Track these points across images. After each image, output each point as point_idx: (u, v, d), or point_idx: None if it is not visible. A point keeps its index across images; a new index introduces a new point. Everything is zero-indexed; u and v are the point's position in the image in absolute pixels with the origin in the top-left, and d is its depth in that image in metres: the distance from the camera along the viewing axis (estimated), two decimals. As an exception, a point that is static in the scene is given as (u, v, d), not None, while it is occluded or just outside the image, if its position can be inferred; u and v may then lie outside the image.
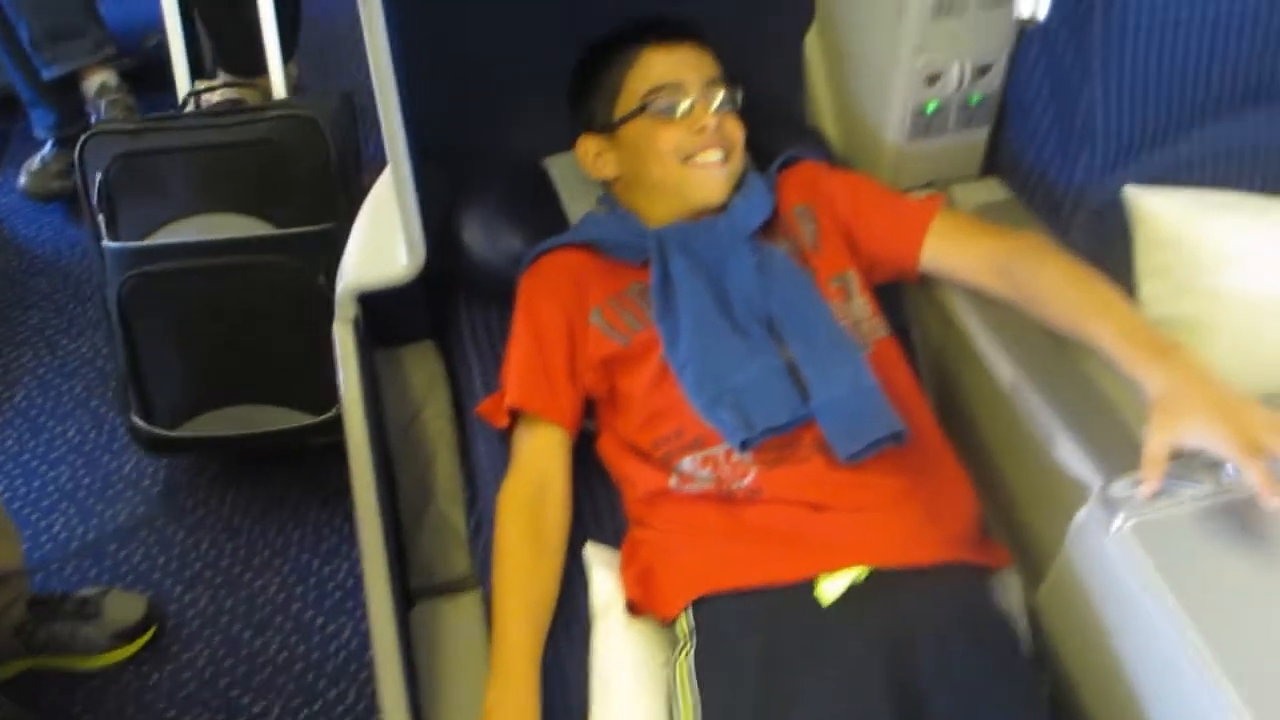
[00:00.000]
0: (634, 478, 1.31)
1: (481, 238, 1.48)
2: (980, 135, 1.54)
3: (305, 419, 1.93)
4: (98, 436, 2.17)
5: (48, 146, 2.67)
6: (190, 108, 2.02)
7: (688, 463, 1.26)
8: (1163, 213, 1.36)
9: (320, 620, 1.87)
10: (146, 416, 1.95)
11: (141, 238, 1.84)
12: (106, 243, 1.86)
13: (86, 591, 1.84)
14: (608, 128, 1.45)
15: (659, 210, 1.43)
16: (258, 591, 1.92)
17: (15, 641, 1.77)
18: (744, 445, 1.21)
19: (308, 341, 1.78)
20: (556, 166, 1.57)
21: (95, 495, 2.07)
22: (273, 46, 2.12)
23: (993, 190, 1.54)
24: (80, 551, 1.99)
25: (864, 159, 1.60)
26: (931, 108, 1.47)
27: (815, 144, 1.60)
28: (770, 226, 1.41)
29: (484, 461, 1.41)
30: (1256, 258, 1.31)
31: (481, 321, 1.53)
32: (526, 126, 1.58)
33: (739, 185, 1.44)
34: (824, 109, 1.68)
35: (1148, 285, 1.37)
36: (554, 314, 1.37)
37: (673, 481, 1.26)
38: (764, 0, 1.61)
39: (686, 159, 1.39)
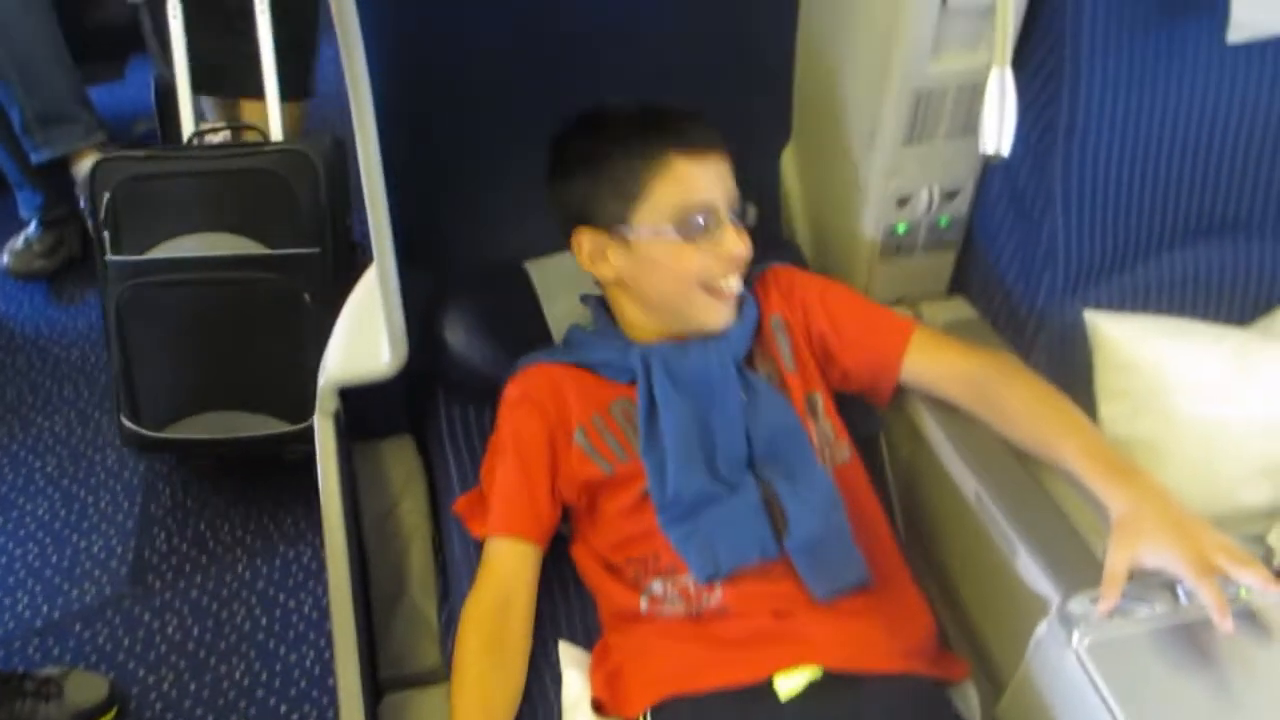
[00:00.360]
0: (607, 593, 1.33)
1: (462, 337, 1.52)
2: (949, 256, 1.60)
3: (283, 426, 2.04)
4: (67, 515, 2.17)
5: (32, 227, 2.71)
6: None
7: (658, 585, 1.28)
8: (1121, 337, 1.41)
9: (284, 708, 1.87)
10: (134, 418, 2.06)
11: (141, 252, 2.00)
12: (109, 256, 2.01)
13: (48, 671, 1.83)
14: (618, 229, 1.33)
15: (650, 324, 1.39)
16: (223, 676, 1.92)
17: (-27, 721, 1.76)
18: (709, 579, 1.25)
19: (290, 354, 1.98)
20: (537, 270, 1.61)
21: (62, 574, 2.07)
22: (271, 85, 2.18)
23: (959, 309, 1.60)
24: (44, 630, 1.98)
25: (837, 274, 1.65)
26: (902, 228, 1.53)
27: (792, 257, 1.65)
28: (752, 351, 1.40)
29: (458, 556, 1.43)
30: (1210, 384, 1.36)
31: (460, 419, 1.56)
32: (508, 230, 1.62)
33: None
34: (799, 224, 1.74)
35: (1106, 406, 1.42)
36: (537, 432, 1.35)
37: (643, 604, 1.28)
38: (742, 118, 1.66)
39: (704, 283, 1.33)
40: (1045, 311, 1.45)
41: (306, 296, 1.98)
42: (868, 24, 1.40)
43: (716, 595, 1.25)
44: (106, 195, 1.98)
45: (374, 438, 1.60)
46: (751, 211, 1.36)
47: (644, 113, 1.35)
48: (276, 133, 2.17)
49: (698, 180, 1.31)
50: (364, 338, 1.46)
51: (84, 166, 2.53)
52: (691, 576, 1.26)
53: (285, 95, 2.18)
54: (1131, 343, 1.40)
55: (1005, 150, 1.14)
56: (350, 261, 2.07)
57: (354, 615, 1.31)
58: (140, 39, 2.60)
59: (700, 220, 1.30)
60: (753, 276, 1.45)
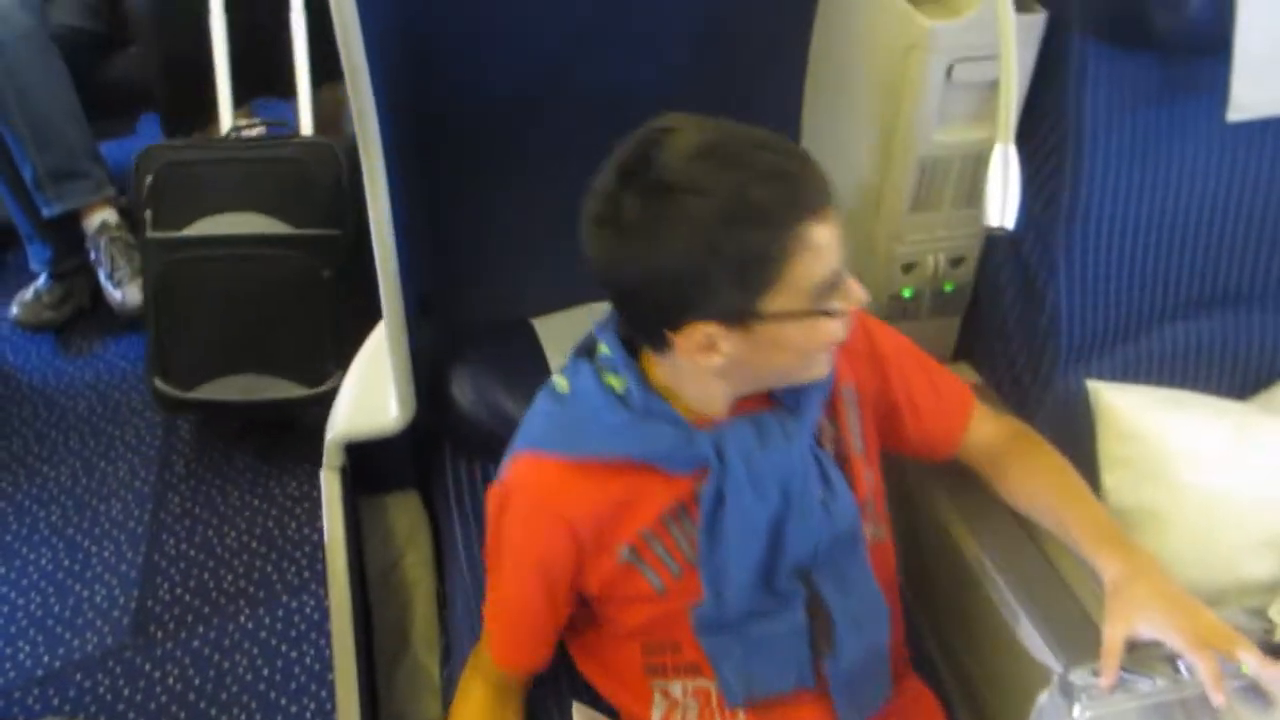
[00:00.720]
0: (613, 699, 1.25)
1: (470, 394, 1.53)
2: (953, 321, 1.61)
3: (301, 390, 2.22)
4: (70, 564, 2.17)
5: (42, 279, 2.72)
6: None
7: (677, 687, 1.19)
8: (1124, 407, 1.42)
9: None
10: (165, 379, 2.26)
11: (178, 229, 2.19)
12: (149, 233, 2.20)
13: (48, 722, 1.83)
14: (744, 319, 1.01)
15: (721, 396, 1.11)
16: (222, 730, 1.91)
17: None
18: (734, 704, 1.16)
19: (310, 324, 2.20)
20: (544, 327, 1.63)
21: (64, 624, 2.07)
22: (303, 80, 2.31)
23: (965, 374, 1.61)
24: (45, 680, 1.97)
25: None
26: (907, 293, 1.55)
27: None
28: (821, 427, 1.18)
29: (460, 613, 1.43)
30: (1212, 456, 1.36)
31: (466, 474, 1.56)
32: (518, 286, 1.64)
33: None
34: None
35: (1109, 475, 1.43)
36: (547, 557, 1.14)
37: (656, 716, 1.20)
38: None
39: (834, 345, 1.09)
40: (1048, 380, 1.47)
41: (326, 273, 2.18)
42: (874, 95, 1.43)
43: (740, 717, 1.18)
44: (149, 178, 2.19)
45: (380, 491, 1.61)
46: None
47: (743, 166, 0.98)
48: (307, 127, 2.31)
49: (827, 244, 1.00)
50: (373, 393, 1.48)
51: (94, 221, 2.57)
52: (716, 689, 1.16)
53: (319, 81, 2.32)
54: (1134, 413, 1.41)
55: (1009, 224, 1.16)
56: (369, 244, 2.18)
57: (356, 670, 1.32)
58: (151, 96, 2.65)
59: (838, 296, 1.03)
60: None
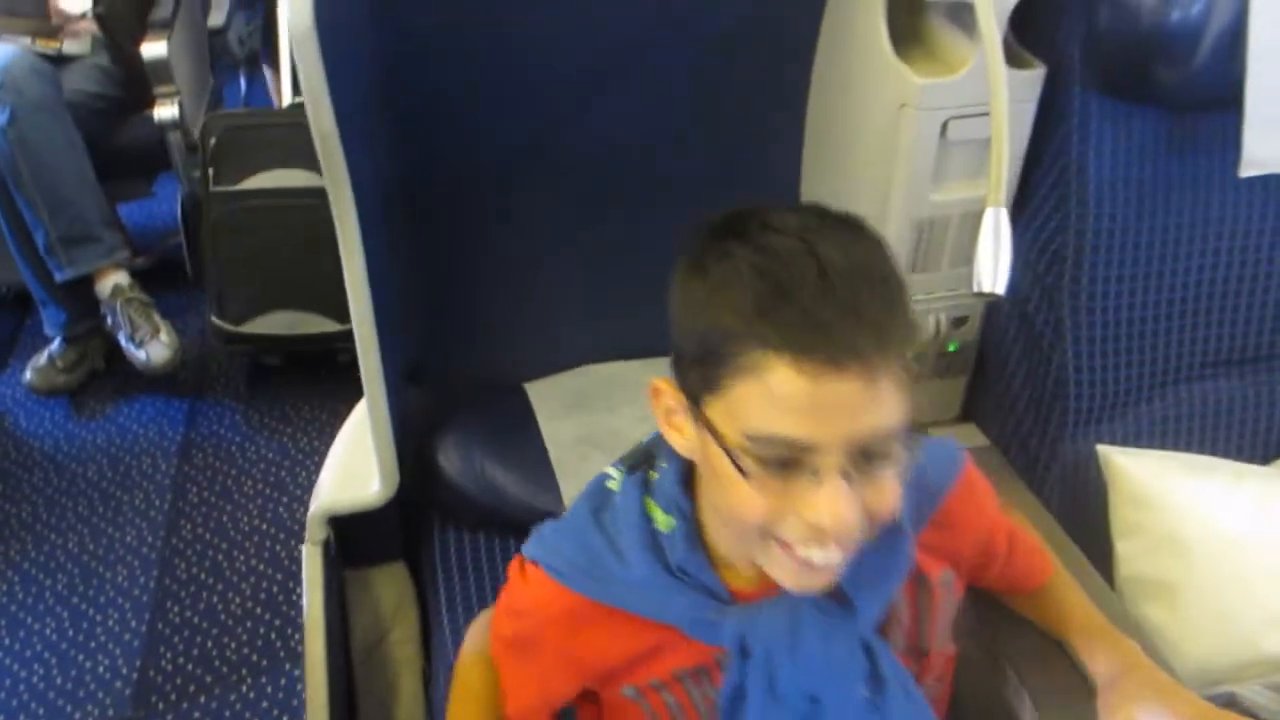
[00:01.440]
0: None
1: (458, 463, 1.49)
2: (959, 381, 1.56)
3: (337, 326, 2.49)
4: (75, 635, 2.15)
5: (56, 343, 2.72)
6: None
7: None
8: (1136, 472, 1.35)
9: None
10: (221, 315, 2.58)
11: (236, 184, 2.50)
12: (212, 188, 2.52)
13: (42, 800, 1.80)
14: (694, 399, 0.84)
15: (741, 553, 0.91)
16: (219, 806, 1.87)
17: None
18: None
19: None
20: (535, 391, 1.59)
21: (65, 696, 2.03)
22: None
23: (971, 436, 1.55)
24: (42, 755, 1.95)
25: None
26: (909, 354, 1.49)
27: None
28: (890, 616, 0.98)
29: (446, 694, 1.37)
30: (1230, 525, 1.30)
31: (454, 545, 1.52)
32: (512, 351, 1.60)
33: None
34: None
35: (1122, 543, 1.36)
36: (544, 689, 1.02)
37: None
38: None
39: (774, 535, 0.83)
40: (1057, 443, 1.41)
41: None
42: (868, 153, 1.38)
43: None
44: (212, 140, 2.51)
45: (366, 564, 1.57)
46: (903, 452, 0.82)
47: (790, 266, 0.79)
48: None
49: (798, 402, 0.76)
50: (356, 465, 1.44)
51: (106, 285, 2.57)
52: None
53: None
54: (1147, 479, 1.35)
55: (1001, 290, 1.10)
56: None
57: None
58: (167, 158, 2.66)
59: (776, 459, 0.79)
60: (937, 474, 1.01)
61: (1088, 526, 1.38)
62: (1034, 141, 1.32)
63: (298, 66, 1.10)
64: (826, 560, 0.83)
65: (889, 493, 0.82)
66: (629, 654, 0.96)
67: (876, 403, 0.77)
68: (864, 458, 0.79)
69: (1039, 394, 1.41)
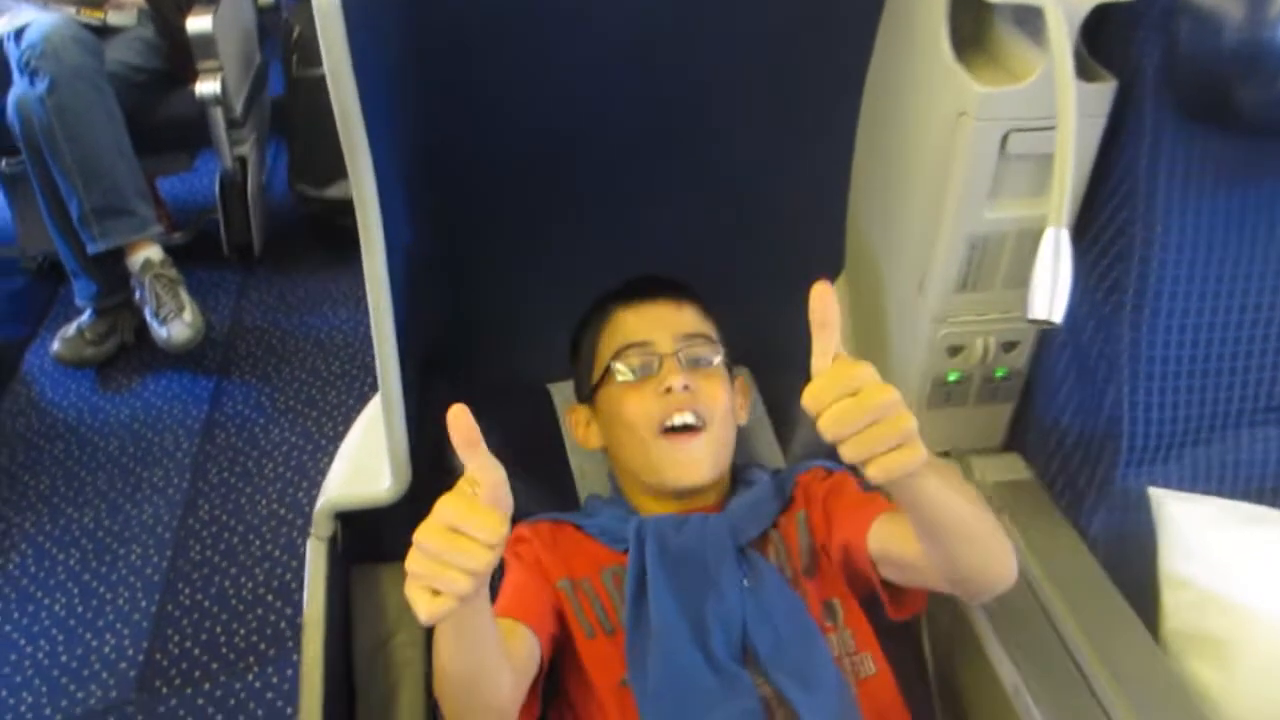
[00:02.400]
0: None
1: (475, 465, 1.43)
2: (1004, 409, 1.47)
3: None
4: (84, 612, 2.11)
5: (86, 314, 2.71)
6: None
7: None
8: (1190, 520, 1.27)
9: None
10: (301, 180, 3.01)
11: (316, 68, 2.65)
12: (295, 73, 2.86)
13: (36, 781, 1.76)
14: (589, 397, 1.37)
15: (645, 497, 1.31)
16: (217, 797, 1.82)
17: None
18: None
19: None
20: (560, 393, 1.54)
21: (69, 675, 2.00)
22: None
23: (1013, 468, 1.46)
24: (44, 732, 1.91)
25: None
26: (953, 377, 1.42)
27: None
28: (767, 537, 1.27)
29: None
30: (1287, 581, 1.21)
31: (466, 549, 1.46)
32: (536, 349, 1.54)
33: (746, 483, 1.34)
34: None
35: (1170, 594, 1.28)
36: (539, 567, 1.25)
37: None
38: (795, 246, 1.58)
39: (657, 427, 1.26)
40: (1106, 483, 1.32)
41: None
42: (921, 162, 1.31)
43: None
44: (296, 29, 2.81)
45: (375, 560, 1.51)
46: (718, 354, 1.33)
47: (614, 288, 1.40)
48: None
49: (632, 321, 1.33)
50: (368, 460, 1.38)
51: (137, 259, 2.54)
52: None
53: None
54: (1201, 527, 1.27)
55: (1057, 319, 1.03)
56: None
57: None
58: (208, 133, 2.63)
59: (632, 361, 1.30)
60: (795, 472, 1.35)
61: (1133, 574, 1.29)
62: (1100, 160, 1.24)
63: (321, 43, 1.05)
64: (692, 421, 1.25)
65: (718, 387, 1.29)
66: (578, 555, 1.26)
67: (683, 314, 1.34)
68: (691, 361, 1.29)
69: (1090, 429, 1.33)
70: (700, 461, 1.27)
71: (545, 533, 1.29)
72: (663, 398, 1.26)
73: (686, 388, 1.26)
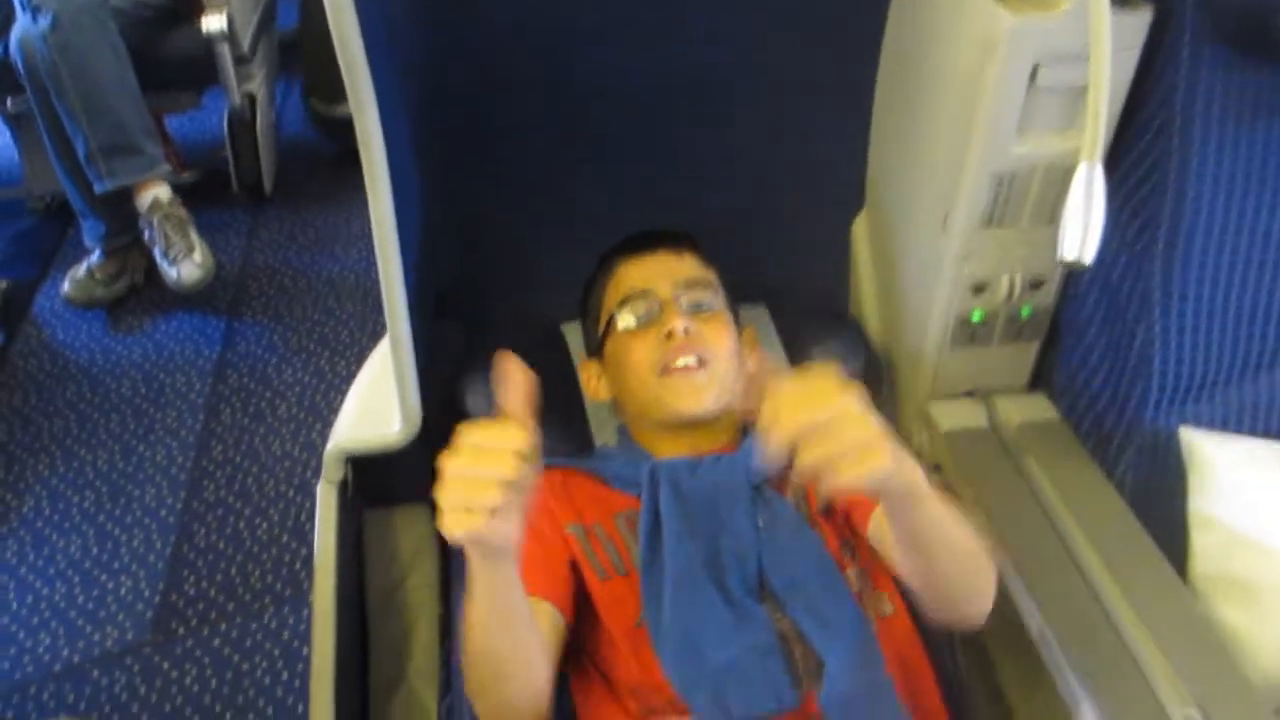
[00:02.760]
0: None
1: (486, 406, 1.40)
2: (1029, 348, 1.44)
3: None
4: (99, 554, 2.11)
5: (95, 255, 2.68)
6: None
7: None
8: (1221, 460, 1.24)
9: (296, 774, 1.77)
10: (316, 96, 3.01)
11: None
12: None
13: (57, 723, 1.76)
14: (598, 350, 1.39)
15: (658, 438, 1.31)
16: (236, 735, 1.83)
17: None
18: None
19: None
20: (574, 334, 1.51)
21: (86, 616, 2.00)
22: None
23: (1040, 408, 1.43)
24: (62, 675, 1.91)
25: (903, 358, 1.51)
26: (977, 316, 1.38)
27: (854, 338, 1.51)
28: (784, 476, 1.25)
29: (462, 646, 1.31)
30: (1319, 523, 1.18)
31: (480, 492, 1.44)
32: (550, 289, 1.51)
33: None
34: (867, 300, 1.59)
35: (1198, 535, 1.25)
36: (547, 519, 1.23)
37: None
38: (815, 182, 1.54)
39: (660, 371, 1.27)
40: (1135, 423, 1.29)
41: None
42: (947, 95, 1.26)
43: None
44: None
45: (387, 504, 1.50)
46: (718, 298, 1.35)
47: (616, 245, 1.41)
48: None
49: (633, 272, 1.35)
50: (378, 402, 1.36)
51: (146, 198, 2.51)
52: None
53: None
54: (1232, 468, 1.24)
55: (1088, 259, 0.99)
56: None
57: (334, 704, 1.20)
58: (216, 70, 2.58)
59: (634, 310, 1.32)
60: None
61: (1162, 515, 1.27)
62: (1133, 92, 1.20)
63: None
64: (689, 362, 1.26)
65: (720, 330, 1.30)
66: (589, 501, 1.26)
67: (683, 262, 1.35)
68: (692, 306, 1.31)
69: (1119, 368, 1.29)
70: (703, 390, 1.27)
71: (555, 481, 1.28)
72: (664, 343, 1.27)
73: (687, 331, 1.27)
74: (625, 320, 1.32)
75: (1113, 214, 1.19)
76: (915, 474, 0.92)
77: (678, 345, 1.26)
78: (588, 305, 1.42)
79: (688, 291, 1.32)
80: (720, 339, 1.30)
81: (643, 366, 1.28)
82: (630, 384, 1.31)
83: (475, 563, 0.94)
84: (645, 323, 1.31)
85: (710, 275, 1.37)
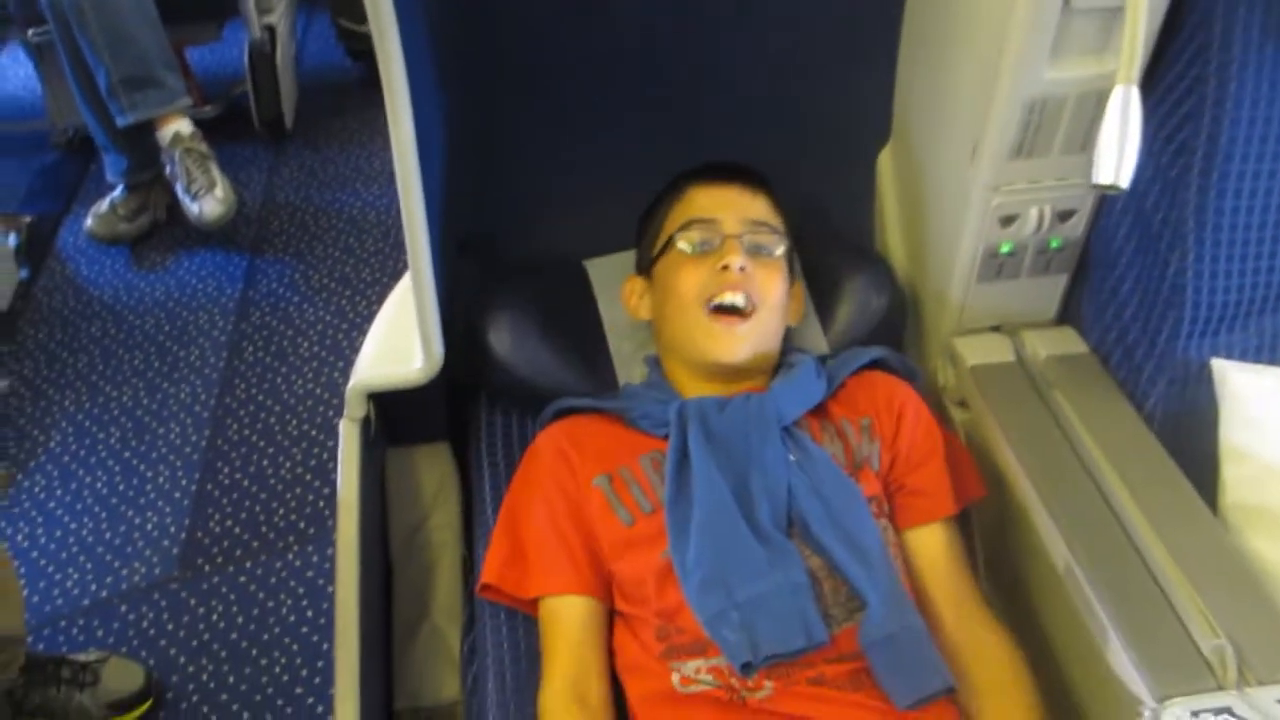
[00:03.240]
0: (634, 670, 1.17)
1: (509, 342, 1.39)
2: (1058, 280, 1.41)
3: None
4: (125, 490, 2.12)
5: (118, 190, 2.67)
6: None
7: (690, 667, 1.11)
8: (1254, 391, 1.22)
9: (321, 709, 1.78)
10: (342, 16, 3.04)
11: None
12: None
13: (85, 656, 1.77)
14: (648, 268, 1.36)
15: (688, 376, 1.31)
16: (262, 670, 1.84)
17: (5, 706, 1.70)
18: (745, 669, 1.06)
19: None
20: (597, 270, 1.49)
21: (114, 552, 2.02)
22: None
23: (1069, 341, 1.41)
24: (90, 609, 1.93)
25: (929, 293, 1.49)
26: (1006, 249, 1.35)
27: (880, 273, 1.49)
28: (818, 424, 1.26)
29: (486, 583, 1.31)
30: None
31: (501, 428, 1.44)
32: (572, 226, 1.50)
33: (788, 365, 1.32)
34: (892, 232, 1.56)
35: (1230, 467, 1.23)
36: (565, 489, 1.23)
37: (674, 680, 1.11)
38: (838, 109, 1.51)
39: (706, 303, 1.25)
40: (1166, 355, 1.26)
41: None
42: (978, 19, 1.23)
43: (765, 691, 1.08)
44: None
45: (410, 443, 1.49)
46: (782, 246, 1.32)
47: (692, 167, 1.37)
48: None
49: (703, 199, 1.32)
50: (400, 339, 1.35)
51: (167, 132, 2.49)
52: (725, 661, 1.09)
53: None
54: (1265, 399, 1.22)
55: (1124, 183, 0.96)
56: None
57: (359, 646, 1.21)
58: (235, 2, 2.55)
59: (696, 235, 1.29)
60: (848, 370, 1.33)
61: (1193, 447, 1.25)
62: (1171, 12, 1.15)
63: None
64: (740, 302, 1.24)
65: (774, 278, 1.28)
66: (614, 445, 1.25)
67: (755, 201, 1.32)
68: (754, 247, 1.28)
69: (1150, 299, 1.26)
70: (741, 341, 1.26)
71: (577, 432, 1.28)
72: (718, 275, 1.25)
73: (743, 269, 1.25)
74: (684, 243, 1.29)
75: (1147, 139, 1.16)
76: None
77: (729, 281, 1.24)
78: (647, 222, 1.40)
79: (753, 231, 1.29)
80: (772, 287, 1.28)
81: (690, 293, 1.26)
82: (672, 310, 1.29)
83: None
84: (704, 251, 1.28)
85: (779, 221, 1.34)
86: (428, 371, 1.32)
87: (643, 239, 1.40)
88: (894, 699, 1.06)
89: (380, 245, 2.68)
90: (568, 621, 1.18)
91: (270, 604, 1.93)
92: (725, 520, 1.13)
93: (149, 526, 2.06)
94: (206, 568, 1.99)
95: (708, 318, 1.25)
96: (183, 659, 1.85)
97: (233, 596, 1.95)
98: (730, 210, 1.30)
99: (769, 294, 1.27)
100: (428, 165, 1.19)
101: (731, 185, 1.33)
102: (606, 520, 1.20)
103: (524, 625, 1.26)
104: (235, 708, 1.79)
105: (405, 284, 1.44)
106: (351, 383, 1.35)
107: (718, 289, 1.25)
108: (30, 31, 2.64)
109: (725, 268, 1.24)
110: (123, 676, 1.77)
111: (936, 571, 1.23)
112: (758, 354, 1.28)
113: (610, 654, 1.19)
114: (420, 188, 1.18)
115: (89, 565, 2.00)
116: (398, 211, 1.20)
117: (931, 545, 1.24)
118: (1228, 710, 0.95)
